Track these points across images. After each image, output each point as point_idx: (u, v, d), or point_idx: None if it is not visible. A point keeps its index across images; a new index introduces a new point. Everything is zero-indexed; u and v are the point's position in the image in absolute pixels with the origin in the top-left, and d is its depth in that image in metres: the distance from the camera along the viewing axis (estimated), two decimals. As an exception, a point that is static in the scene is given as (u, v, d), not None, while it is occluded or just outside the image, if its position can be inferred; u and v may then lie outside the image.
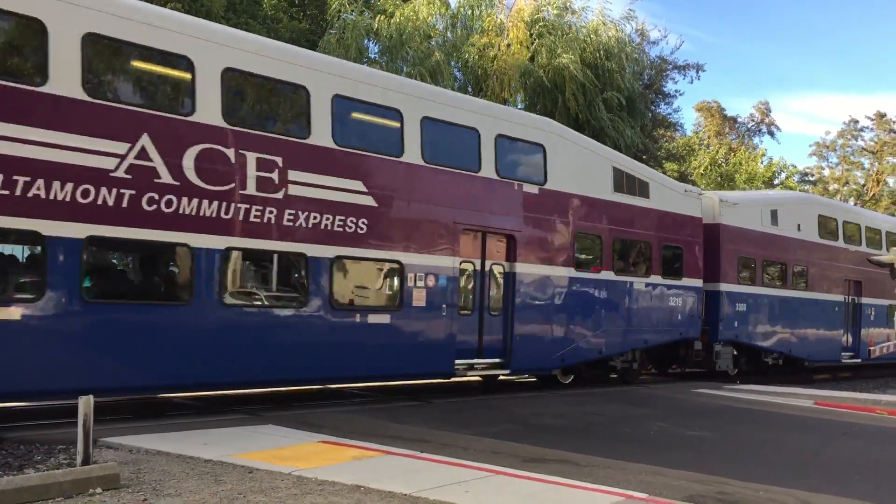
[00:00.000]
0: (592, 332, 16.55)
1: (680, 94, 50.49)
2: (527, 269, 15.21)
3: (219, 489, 7.03)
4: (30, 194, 9.45)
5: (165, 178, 10.54)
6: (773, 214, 21.81)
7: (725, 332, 20.17)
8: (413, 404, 13.66)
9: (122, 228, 10.19)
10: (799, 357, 22.64)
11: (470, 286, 14.54)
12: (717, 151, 49.83)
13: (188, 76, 10.93)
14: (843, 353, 24.14)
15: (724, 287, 20.09)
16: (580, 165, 16.38)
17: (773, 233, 21.71)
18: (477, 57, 27.31)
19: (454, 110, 14.40)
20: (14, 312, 9.42)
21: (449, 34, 28.45)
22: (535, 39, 27.55)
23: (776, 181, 49.42)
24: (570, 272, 16.03)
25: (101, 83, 10.46)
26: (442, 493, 7.21)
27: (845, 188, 61.95)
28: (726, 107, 59.44)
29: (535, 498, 7.29)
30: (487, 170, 14.61)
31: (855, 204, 58.20)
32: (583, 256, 16.55)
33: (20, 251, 10.12)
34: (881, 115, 60.42)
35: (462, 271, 14.29)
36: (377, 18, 25.73)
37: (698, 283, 19.21)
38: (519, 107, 29.22)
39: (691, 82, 41.34)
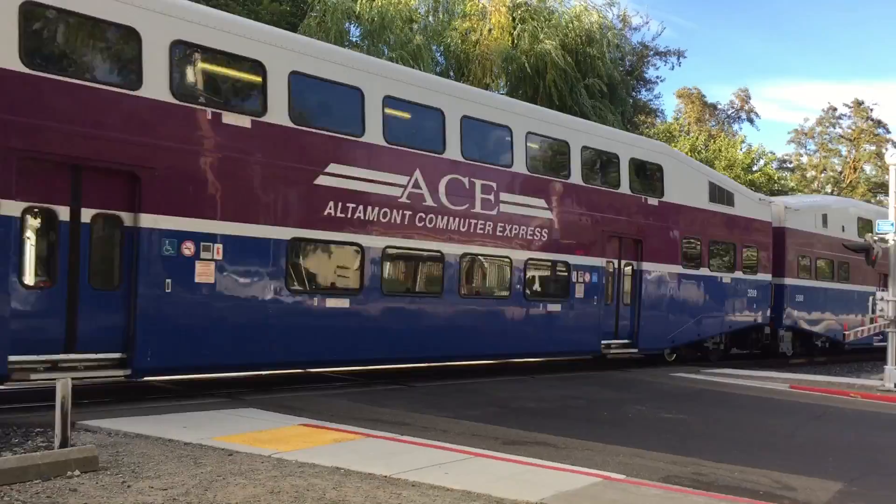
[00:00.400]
0: (693, 319, 20.32)
1: (661, 81, 50.64)
2: (650, 267, 18.99)
3: (198, 471, 7.03)
4: (354, 217, 13.03)
5: (428, 201, 14.18)
6: (824, 218, 25.19)
7: (787, 319, 23.64)
8: (394, 388, 13.71)
9: (404, 240, 13.90)
10: (840, 341, 24.87)
11: (611, 281, 18.22)
12: (697, 138, 50.05)
13: (441, 124, 14.57)
14: (874, 338, 24.91)
15: (788, 281, 23.51)
16: (686, 181, 20.14)
17: (824, 233, 25.04)
18: (459, 41, 27.25)
19: (606, 140, 18.36)
20: (345, 302, 13.07)
21: (431, 18, 28.35)
22: (517, 24, 27.53)
23: (755, 168, 49.71)
24: (680, 269, 19.80)
25: (395, 133, 13.87)
26: (421, 474, 7.26)
27: (822, 175, 62.53)
28: (706, 93, 59.97)
29: (514, 479, 7.35)
30: (625, 187, 18.40)
31: (832, 191, 58.82)
32: (688, 256, 20.11)
33: (350, 259, 13.35)
34: (859, 103, 61.01)
35: (606, 269, 17.87)
36: (359, 1, 25.57)
37: (768, 277, 22.74)
38: (501, 92, 29.24)
39: (672, 69, 41.58)
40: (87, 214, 10.31)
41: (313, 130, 12.62)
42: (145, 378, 11.47)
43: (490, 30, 27.67)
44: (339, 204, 12.81)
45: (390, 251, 13.69)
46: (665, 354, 20.23)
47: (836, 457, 10.10)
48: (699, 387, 16.46)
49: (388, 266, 13.95)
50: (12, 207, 9.66)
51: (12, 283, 9.74)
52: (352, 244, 13.12)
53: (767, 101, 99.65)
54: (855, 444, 11.21)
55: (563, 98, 26.61)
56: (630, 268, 18.59)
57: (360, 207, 13.10)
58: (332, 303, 12.85)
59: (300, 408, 10.73)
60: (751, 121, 59.15)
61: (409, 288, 14.58)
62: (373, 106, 13.34)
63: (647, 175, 19.17)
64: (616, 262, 18.20)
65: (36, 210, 10.04)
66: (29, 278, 10.11)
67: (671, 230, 19.49)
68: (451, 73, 28.06)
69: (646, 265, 18.77)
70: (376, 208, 13.34)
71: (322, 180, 12.59)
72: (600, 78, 27.84)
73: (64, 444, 7.25)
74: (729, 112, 58.81)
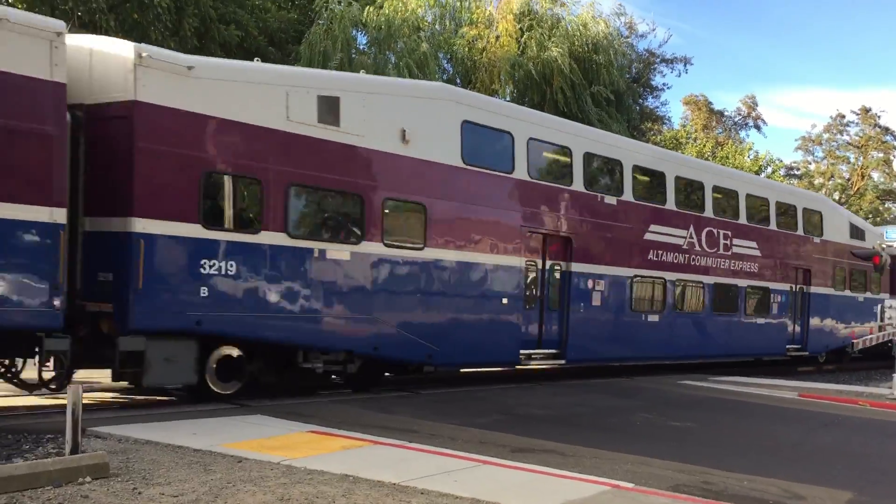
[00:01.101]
0: (844, 326, 25.83)
1: (667, 88, 50.62)
2: (815, 290, 24.07)
3: (208, 478, 7.06)
4: (661, 259, 18.94)
5: (697, 247, 19.91)
6: None
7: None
8: (401, 395, 13.72)
9: (684, 274, 19.70)
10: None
11: (793, 300, 23.48)
12: (705, 145, 50.02)
13: (702, 192, 20.40)
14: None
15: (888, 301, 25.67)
16: (836, 222, 25.55)
17: None
18: (466, 49, 27.32)
19: (790, 195, 24.82)
20: (657, 318, 19.04)
21: (438, 26, 28.42)
22: (524, 32, 27.59)
23: (762, 175, 49.65)
24: (837, 291, 25.28)
25: (681, 201, 19.68)
26: (430, 482, 7.27)
27: (830, 182, 62.36)
28: (713, 100, 59.81)
29: (522, 487, 7.36)
30: (800, 230, 23.71)
31: (840, 198, 58.63)
32: (839, 280, 25.47)
33: (659, 288, 19.18)
34: (866, 110, 60.79)
35: (789, 292, 23.16)
36: (366, 9, 25.66)
37: (885, 296, 27.23)
38: (507, 99, 29.29)
39: (679, 76, 41.69)
40: (548, 264, 16.51)
41: (645, 204, 18.65)
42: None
43: (497, 37, 27.74)
44: (654, 251, 18.75)
45: (678, 282, 19.55)
46: (819, 357, 25.31)
47: (845, 465, 10.08)
48: (706, 394, 16.43)
49: (677, 292, 19.67)
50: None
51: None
52: (659, 279, 19.01)
53: (775, 108, 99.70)
54: (864, 453, 11.18)
55: (569, 105, 26.65)
56: (801, 289, 23.83)
57: (664, 253, 19.00)
58: (651, 318, 18.83)
59: (309, 414, 10.75)
60: (758, 128, 59.01)
61: (688, 307, 20.25)
62: (671, 186, 19.27)
63: (812, 219, 24.43)
64: (795, 286, 23.58)
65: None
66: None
67: (830, 261, 25.06)
68: (458, 81, 28.13)
69: (813, 289, 24.14)
70: (671, 253, 19.16)
71: (647, 236, 18.58)
72: (606, 86, 27.87)
73: (75, 450, 7.27)
74: (736, 119, 58.70)
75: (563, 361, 16.65)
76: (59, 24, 10.01)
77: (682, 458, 9.51)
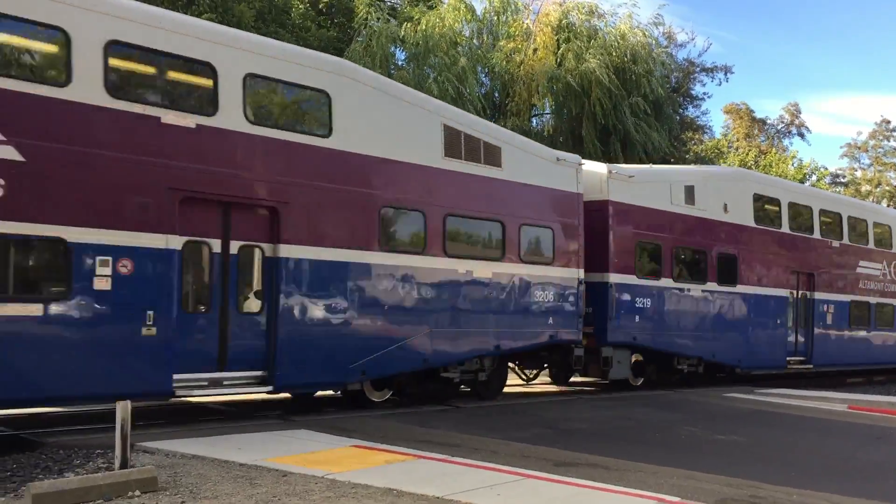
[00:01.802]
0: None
1: (708, 97, 50.27)
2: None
3: (254, 492, 7.15)
4: (866, 287, 24.30)
5: (888, 278, 24.97)
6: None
7: None
8: (441, 409, 13.73)
9: (881, 298, 24.78)
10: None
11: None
12: (747, 154, 49.40)
13: (890, 234, 25.72)
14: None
15: None
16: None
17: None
18: (504, 62, 27.38)
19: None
20: (863, 332, 24.20)
21: (475, 41, 28.54)
22: (561, 44, 27.56)
23: (807, 183, 48.88)
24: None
25: (880, 241, 25.11)
26: (473, 496, 7.27)
27: (878, 189, 61.13)
28: (755, 108, 59.16)
29: (567, 501, 7.33)
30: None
31: (889, 206, 57.38)
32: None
33: (866, 309, 24.39)
34: (913, 116, 59.57)
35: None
36: (403, 26, 25.89)
37: None
38: (546, 111, 29.24)
39: (719, 84, 41.09)
40: (799, 293, 21.87)
41: (857, 246, 23.88)
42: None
43: (535, 50, 27.75)
44: (863, 281, 23.77)
45: (875, 304, 24.33)
46: None
47: (897, 479, 9.85)
48: (752, 407, 16.16)
49: (874, 311, 24.39)
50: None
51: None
52: (866, 303, 24.04)
53: (818, 115, 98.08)
54: (917, 467, 10.91)
55: (607, 117, 26.55)
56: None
57: (868, 282, 24.07)
58: (860, 333, 23.93)
59: (351, 429, 10.82)
60: (801, 135, 58.19)
61: (876, 322, 24.56)
62: (871, 230, 24.57)
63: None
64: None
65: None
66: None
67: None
68: (497, 94, 28.19)
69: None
70: (870, 282, 24.20)
71: (858, 270, 23.65)
72: (645, 97, 27.71)
73: (124, 465, 7.43)
74: (778, 127, 57.96)
75: (811, 366, 21.97)
76: (579, 158, 16.50)
77: (728, 471, 9.37)
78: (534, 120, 29.29)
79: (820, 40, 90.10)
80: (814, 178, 51.19)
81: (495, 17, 28.64)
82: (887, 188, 61.12)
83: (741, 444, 11.89)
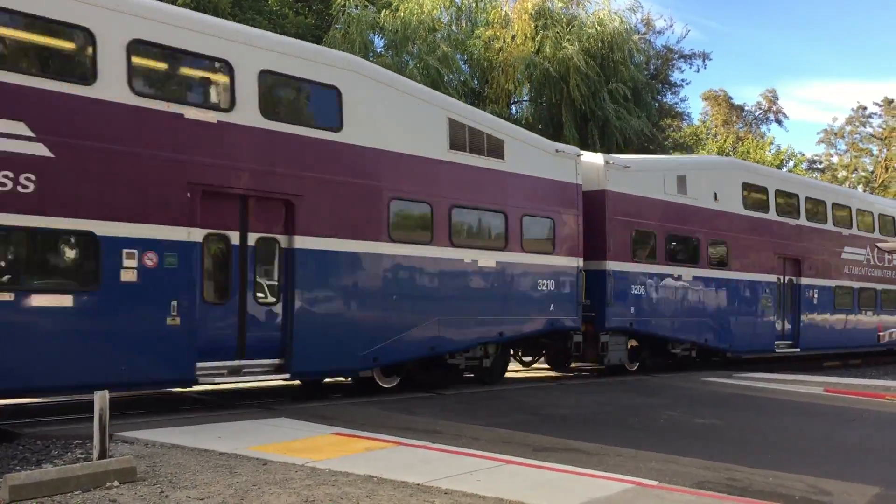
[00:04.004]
0: None
1: (686, 84, 50.43)
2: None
3: (234, 481, 7.13)
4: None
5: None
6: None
7: None
8: (424, 396, 13.75)
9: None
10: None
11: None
12: (725, 140, 49.67)
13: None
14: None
15: None
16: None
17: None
18: (483, 49, 27.31)
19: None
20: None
21: (454, 27, 28.44)
22: (539, 31, 27.53)
23: (784, 169, 49.25)
24: None
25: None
26: (454, 482, 7.30)
27: (854, 175, 61.71)
28: (733, 95, 59.44)
29: (546, 486, 7.37)
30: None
31: (864, 191, 57.97)
32: None
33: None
34: (889, 102, 60.12)
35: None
36: (382, 13, 25.76)
37: None
38: (525, 98, 29.25)
39: (697, 71, 41.31)
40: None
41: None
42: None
43: (513, 37, 27.71)
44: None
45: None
46: None
47: (872, 460, 9.99)
48: (731, 391, 16.32)
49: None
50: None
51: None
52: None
53: (796, 102, 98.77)
54: (892, 448, 11.07)
55: (586, 103, 26.57)
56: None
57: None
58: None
59: (332, 417, 10.82)
60: (779, 122, 58.60)
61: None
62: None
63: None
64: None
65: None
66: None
67: None
68: (476, 81, 28.14)
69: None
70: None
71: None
72: (624, 83, 27.75)
73: (102, 455, 7.38)
74: (756, 113, 58.31)
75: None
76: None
77: (706, 455, 9.47)
78: (512, 107, 29.29)
79: (797, 27, 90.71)
80: (791, 163, 51.59)
81: (473, 4, 28.57)
82: (863, 173, 61.73)
83: (720, 428, 12.01)
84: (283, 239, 11.83)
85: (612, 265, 17.09)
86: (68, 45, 10.24)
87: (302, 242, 11.87)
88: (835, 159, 63.30)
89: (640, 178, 18.01)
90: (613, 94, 27.50)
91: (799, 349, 22.60)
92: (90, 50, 10.00)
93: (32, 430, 9.46)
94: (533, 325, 15.58)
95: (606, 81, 27.40)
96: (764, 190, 21.65)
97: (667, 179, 18.65)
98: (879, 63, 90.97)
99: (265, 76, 11.62)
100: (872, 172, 61.21)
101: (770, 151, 50.07)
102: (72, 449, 8.47)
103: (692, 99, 65.03)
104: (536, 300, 15.46)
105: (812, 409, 14.39)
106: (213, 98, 11.39)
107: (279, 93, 12.28)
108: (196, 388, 11.24)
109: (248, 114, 11.36)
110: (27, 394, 10.53)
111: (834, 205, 24.38)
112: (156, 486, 6.93)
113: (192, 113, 10.82)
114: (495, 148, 14.78)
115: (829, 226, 23.95)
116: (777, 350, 21.90)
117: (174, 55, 10.96)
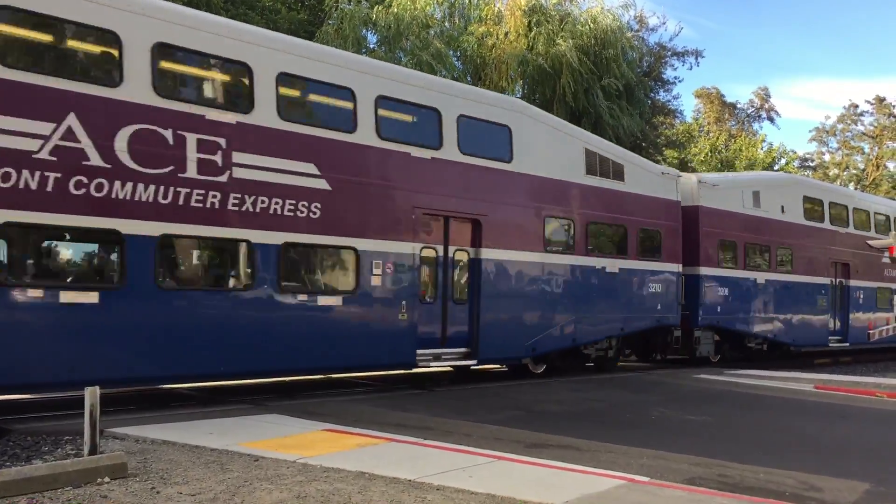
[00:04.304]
0: None
1: (679, 81, 50.53)
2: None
3: (225, 477, 7.11)
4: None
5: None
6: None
7: None
8: (416, 392, 13.76)
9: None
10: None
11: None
12: (718, 138, 49.75)
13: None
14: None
15: None
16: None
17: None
18: (476, 46, 27.29)
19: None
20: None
21: (447, 23, 28.42)
22: (532, 28, 27.54)
23: (776, 167, 49.37)
24: None
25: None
26: (446, 478, 7.30)
27: (845, 173, 61.92)
28: (726, 93, 59.47)
29: (538, 482, 7.37)
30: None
31: (855, 189, 58.19)
32: None
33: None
34: (881, 100, 60.34)
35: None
36: (375, 8, 25.71)
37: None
38: (517, 95, 29.24)
39: (690, 69, 41.36)
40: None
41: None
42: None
43: (506, 34, 27.71)
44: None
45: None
46: None
47: (862, 457, 10.03)
48: (722, 388, 16.38)
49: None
50: None
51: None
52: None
53: (788, 100, 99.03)
54: (882, 444, 11.12)
55: (578, 100, 26.58)
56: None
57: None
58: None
59: (324, 413, 10.81)
60: (771, 119, 58.70)
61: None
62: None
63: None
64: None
65: None
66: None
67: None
68: (469, 78, 28.12)
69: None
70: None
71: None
72: (617, 79, 27.78)
73: (93, 451, 7.35)
74: (749, 111, 58.42)
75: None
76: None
77: (698, 451, 9.50)
78: (506, 104, 29.21)
79: (790, 25, 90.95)
80: (783, 161, 51.70)
81: (467, 1, 28.52)
82: (854, 172, 61.95)
83: (711, 425, 12.05)
84: (471, 251, 14.80)
85: (703, 270, 19.87)
86: (344, 104, 12.77)
87: (485, 254, 14.84)
88: (826, 157, 63.52)
89: (724, 195, 20.73)
90: (606, 90, 27.53)
91: (847, 344, 24.84)
92: (354, 106, 12.70)
93: (22, 425, 9.43)
94: (645, 321, 18.35)
95: (599, 78, 27.43)
96: (820, 202, 24.18)
97: (745, 195, 21.41)
98: (871, 61, 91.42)
99: (462, 119, 14.45)
100: (864, 170, 61.44)
101: (762, 149, 50.16)
102: (62, 445, 8.44)
103: (685, 96, 65.17)
104: (648, 300, 18.22)
105: (803, 407, 14.44)
106: (429, 138, 14.04)
107: (470, 132, 14.70)
108: (414, 370, 14.36)
109: (451, 151, 14.28)
110: (310, 372, 13.15)
111: (875, 213, 26.84)
112: (147, 482, 6.91)
113: (416, 152, 13.70)
114: (618, 172, 17.62)
115: (872, 233, 26.18)
116: (829, 345, 24.25)
117: (406, 107, 13.87)
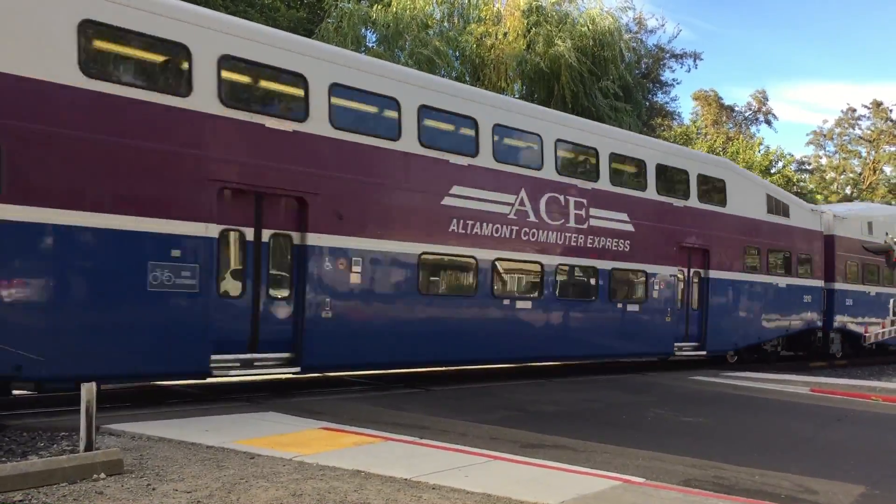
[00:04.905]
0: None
1: (677, 83, 50.53)
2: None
3: (221, 474, 7.11)
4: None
5: None
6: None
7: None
8: (412, 392, 13.75)
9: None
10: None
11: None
12: (715, 140, 49.81)
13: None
14: None
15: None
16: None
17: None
18: (475, 46, 27.30)
19: None
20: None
21: (446, 23, 28.43)
22: (531, 28, 27.55)
23: (773, 170, 49.44)
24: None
25: None
26: (441, 477, 7.30)
27: (842, 177, 62.03)
28: (723, 95, 59.53)
29: (534, 482, 7.38)
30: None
31: (851, 192, 58.30)
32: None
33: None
34: (878, 104, 60.48)
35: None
36: (374, 7, 25.71)
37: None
38: (515, 95, 29.25)
39: (689, 71, 41.67)
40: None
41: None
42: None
43: (505, 34, 27.72)
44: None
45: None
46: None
47: (857, 460, 10.05)
48: (718, 390, 16.39)
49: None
50: None
51: None
52: None
53: (786, 103, 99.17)
54: (877, 447, 11.14)
55: (577, 100, 26.60)
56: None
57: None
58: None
59: (320, 411, 10.80)
60: (769, 122, 58.83)
61: None
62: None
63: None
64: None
65: None
66: None
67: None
68: (467, 78, 28.13)
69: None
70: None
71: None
72: (615, 80, 27.81)
73: (89, 447, 7.34)
74: (746, 114, 58.53)
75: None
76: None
77: (693, 453, 9.51)
78: (504, 104, 29.22)
79: (788, 28, 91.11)
80: (780, 164, 51.77)
81: (466, 1, 28.53)
82: (851, 175, 62.06)
83: (706, 426, 12.06)
84: (702, 272, 19.93)
85: (837, 285, 24.78)
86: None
87: (712, 274, 20.08)
88: (823, 161, 63.64)
89: (849, 225, 25.48)
90: (604, 91, 27.55)
91: None
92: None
93: (18, 421, 9.41)
94: (802, 324, 23.45)
95: (598, 79, 27.45)
96: None
97: (862, 225, 26.18)
98: (869, 65, 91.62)
99: (699, 177, 19.73)
100: (860, 174, 61.55)
101: (759, 152, 50.22)
102: (58, 441, 8.43)
103: (683, 99, 65.23)
104: (804, 308, 23.34)
105: (798, 409, 14.46)
106: (681, 193, 19.26)
107: (704, 188, 19.81)
108: (671, 358, 20.13)
109: (693, 201, 19.46)
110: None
111: None
112: (143, 478, 6.90)
113: (677, 202, 19.06)
114: (785, 210, 22.79)
115: None
116: None
117: (623, 160, 18.12)
